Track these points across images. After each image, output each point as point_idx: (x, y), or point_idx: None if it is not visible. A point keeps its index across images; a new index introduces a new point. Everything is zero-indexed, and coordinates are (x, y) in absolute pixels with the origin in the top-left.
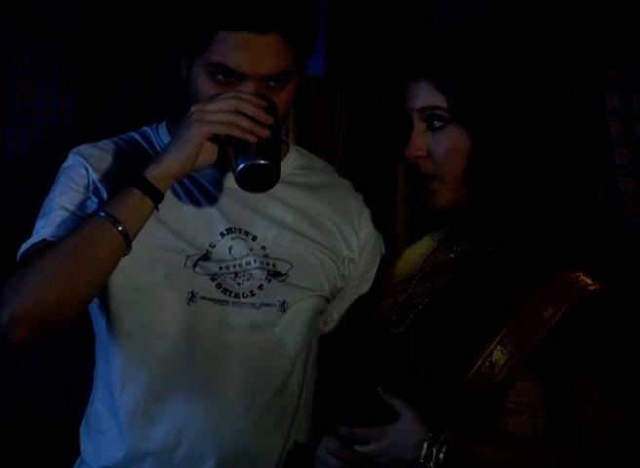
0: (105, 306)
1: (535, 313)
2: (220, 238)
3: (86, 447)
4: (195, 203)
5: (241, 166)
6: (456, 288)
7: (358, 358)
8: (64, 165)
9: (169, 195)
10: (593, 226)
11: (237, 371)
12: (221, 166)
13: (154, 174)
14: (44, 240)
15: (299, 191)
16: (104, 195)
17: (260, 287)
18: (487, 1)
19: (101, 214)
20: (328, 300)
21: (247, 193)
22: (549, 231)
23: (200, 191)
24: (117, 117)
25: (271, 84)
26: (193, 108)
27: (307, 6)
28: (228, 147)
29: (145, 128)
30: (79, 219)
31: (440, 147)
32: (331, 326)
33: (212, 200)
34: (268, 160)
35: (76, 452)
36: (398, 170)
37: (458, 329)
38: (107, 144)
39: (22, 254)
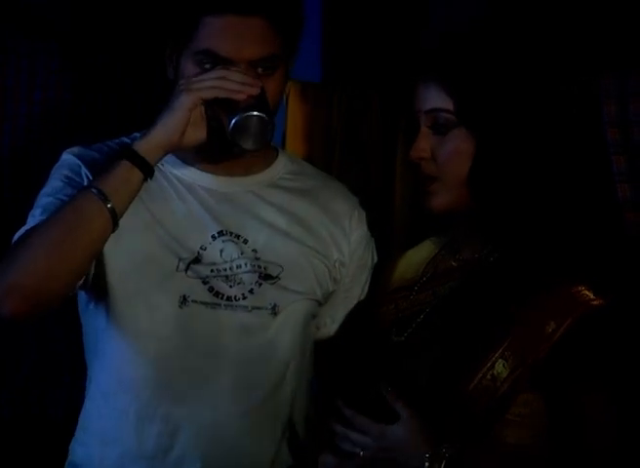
0: (100, 308)
1: (537, 327)
2: (211, 241)
3: (75, 449)
4: (187, 206)
5: (233, 121)
6: (458, 298)
7: (357, 365)
8: (57, 164)
9: (162, 197)
10: (595, 236)
11: (229, 374)
12: (214, 151)
13: (142, 144)
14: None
15: (289, 195)
16: None
17: (252, 290)
18: (487, 2)
19: (91, 189)
20: (320, 304)
21: (240, 196)
22: (552, 240)
23: (193, 194)
24: (117, 117)
25: (259, 70)
26: (180, 82)
27: None
28: (220, 114)
29: (136, 134)
30: None
31: (444, 150)
32: (324, 330)
33: (204, 203)
34: (260, 111)
35: None
36: (396, 172)
37: (460, 340)
38: (100, 148)
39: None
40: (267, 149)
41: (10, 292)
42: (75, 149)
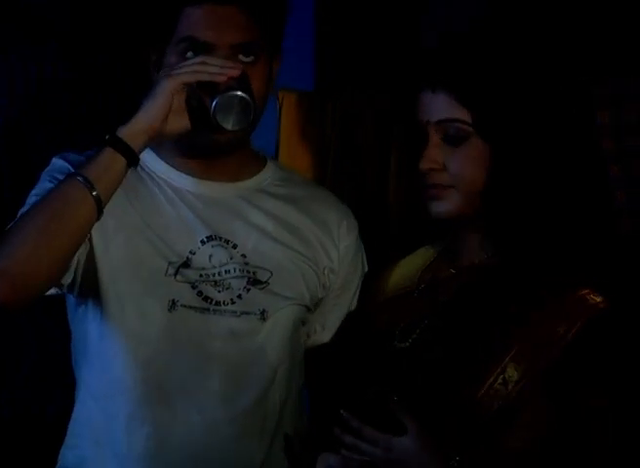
0: (89, 311)
1: (548, 330)
2: (200, 245)
3: (66, 454)
4: (177, 210)
5: (215, 101)
6: (462, 302)
7: (358, 372)
8: (47, 168)
9: (151, 202)
10: (597, 241)
11: (218, 379)
12: (199, 146)
13: (124, 130)
14: None
15: (278, 201)
16: None
17: (240, 295)
18: (481, 14)
19: (77, 176)
20: (308, 309)
21: (229, 202)
22: (558, 245)
23: (182, 199)
24: (117, 117)
25: (241, 57)
26: (162, 70)
27: None
28: (203, 98)
29: None
30: None
31: (459, 161)
32: (314, 338)
33: (193, 208)
34: (242, 91)
35: None
36: (390, 179)
37: (467, 345)
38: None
39: None
40: (256, 157)
41: None
42: (65, 154)
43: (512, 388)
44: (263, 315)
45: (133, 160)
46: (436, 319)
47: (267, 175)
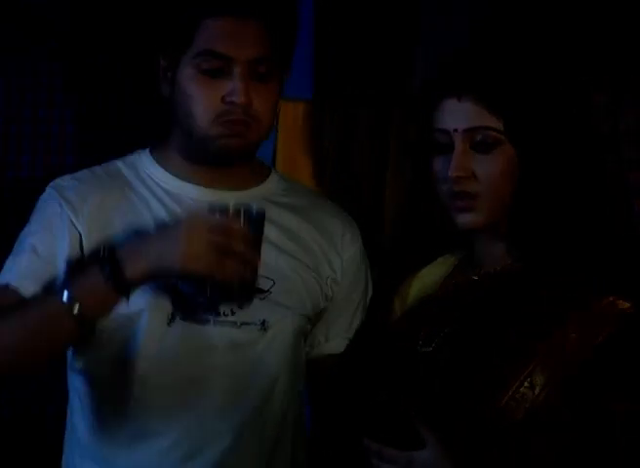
0: None
1: (576, 336)
2: None
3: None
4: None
5: (221, 304)
6: (486, 308)
7: (374, 375)
8: (41, 198)
9: (153, 214)
10: (623, 248)
11: (218, 391)
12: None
13: (129, 267)
14: (7, 286)
15: (282, 211)
16: (80, 228)
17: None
18: (486, 4)
19: (62, 293)
20: (309, 319)
21: None
22: (587, 252)
23: (182, 207)
24: (117, 117)
25: (260, 69)
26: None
27: None
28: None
29: (128, 155)
30: (46, 266)
31: (491, 168)
32: (318, 349)
33: None
34: (248, 301)
35: None
36: (386, 189)
37: (493, 349)
38: (86, 175)
39: None
40: (260, 167)
41: None
42: (59, 181)
43: (539, 392)
44: (264, 325)
45: (128, 293)
46: (460, 324)
47: (271, 185)
